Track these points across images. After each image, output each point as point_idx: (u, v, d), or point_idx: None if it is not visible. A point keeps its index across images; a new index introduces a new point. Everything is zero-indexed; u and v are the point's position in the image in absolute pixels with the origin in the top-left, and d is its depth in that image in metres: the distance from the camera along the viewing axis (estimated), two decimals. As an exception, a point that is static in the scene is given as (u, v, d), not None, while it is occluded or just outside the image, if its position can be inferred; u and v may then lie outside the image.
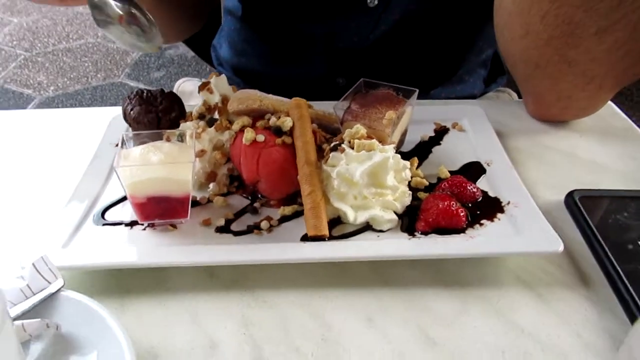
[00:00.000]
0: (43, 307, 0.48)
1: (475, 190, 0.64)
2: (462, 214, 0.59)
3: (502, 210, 0.62)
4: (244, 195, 0.67)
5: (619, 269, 0.54)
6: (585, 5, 0.65)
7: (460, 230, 0.59)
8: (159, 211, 0.59)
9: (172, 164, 0.57)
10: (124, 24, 0.62)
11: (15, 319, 0.46)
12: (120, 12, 0.62)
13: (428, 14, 0.92)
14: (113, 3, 0.61)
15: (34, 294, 0.49)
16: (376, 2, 0.90)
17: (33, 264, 0.49)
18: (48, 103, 2.97)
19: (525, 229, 0.58)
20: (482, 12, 0.79)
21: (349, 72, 1.00)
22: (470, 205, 0.63)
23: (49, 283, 0.49)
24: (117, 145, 0.73)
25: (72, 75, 3.25)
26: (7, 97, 3.02)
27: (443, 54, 1.01)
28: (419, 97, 0.73)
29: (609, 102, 0.86)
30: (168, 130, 0.63)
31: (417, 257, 0.56)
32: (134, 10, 0.62)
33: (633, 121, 0.85)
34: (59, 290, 0.49)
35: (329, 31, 0.95)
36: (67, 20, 3.92)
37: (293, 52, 1.02)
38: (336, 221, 0.61)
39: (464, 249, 0.56)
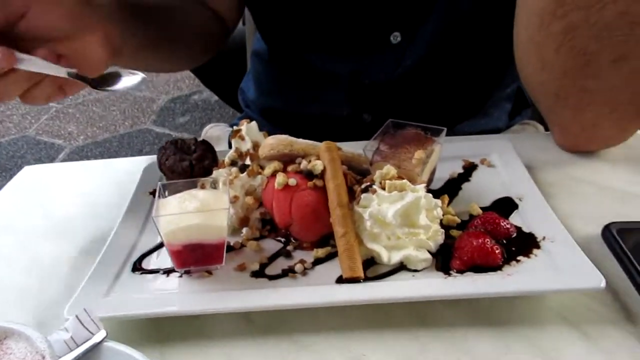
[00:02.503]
0: (86, 359, 0.49)
1: (508, 226, 0.63)
2: (497, 252, 0.59)
3: (537, 246, 0.61)
4: (277, 238, 0.67)
5: (665, 303, 0.53)
6: (598, 36, 0.66)
7: (496, 268, 0.58)
8: (195, 258, 0.60)
9: (207, 211, 0.59)
10: None
11: (59, 371, 0.46)
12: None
13: (453, 48, 0.93)
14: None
15: (78, 346, 0.49)
16: (399, 39, 0.91)
17: (76, 316, 0.50)
18: (78, 152, 3.07)
19: (564, 265, 0.57)
20: (509, 46, 0.80)
21: (375, 108, 1.00)
22: (504, 242, 0.62)
23: (92, 334, 0.50)
24: (150, 193, 0.76)
25: (101, 124, 3.36)
26: (38, 148, 3.13)
27: (469, 88, 1.01)
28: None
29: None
30: (202, 179, 0.65)
31: (456, 297, 0.55)
32: None
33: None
34: (102, 341, 0.49)
35: (353, 69, 0.97)
36: (96, 72, 4.08)
37: (319, 91, 1.03)
38: (370, 262, 0.61)
39: (503, 287, 0.55)
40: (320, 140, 0.70)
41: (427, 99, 1.00)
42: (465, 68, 0.97)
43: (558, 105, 0.77)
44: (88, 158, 3.01)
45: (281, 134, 1.04)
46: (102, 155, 3.04)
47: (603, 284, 0.53)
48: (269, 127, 1.13)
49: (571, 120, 0.79)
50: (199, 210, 0.58)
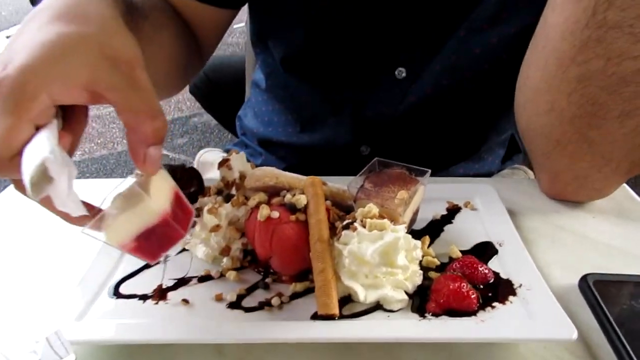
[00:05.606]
0: (53, 382, 0.49)
1: (487, 271, 0.64)
2: (473, 296, 0.59)
3: (514, 293, 0.61)
4: (257, 270, 0.68)
5: (634, 358, 0.53)
6: (611, 88, 0.67)
7: (471, 313, 0.58)
8: (156, 244, 0.55)
9: (121, 200, 0.52)
10: None
11: (25, 393, 0.46)
12: None
13: (458, 90, 0.94)
14: None
15: (46, 369, 0.49)
16: (404, 75, 0.93)
17: (46, 339, 0.50)
18: (74, 167, 3.07)
19: (538, 314, 0.57)
20: (510, 92, 0.81)
21: (374, 141, 1.01)
22: (481, 287, 0.62)
23: (61, 358, 0.50)
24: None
25: (99, 141, 3.38)
26: (35, 161, 3.12)
27: (468, 130, 1.03)
28: (437, 173, 0.73)
29: (623, 185, 0.86)
30: None
31: (428, 341, 0.55)
32: None
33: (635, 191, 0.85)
34: (70, 365, 0.49)
35: (356, 100, 0.98)
36: (99, 89, 4.12)
37: (318, 121, 1.04)
38: (347, 299, 0.61)
39: (475, 333, 0.55)
40: (315, 172, 0.71)
41: (427, 137, 1.01)
42: (466, 110, 0.99)
43: (556, 151, 0.77)
44: (84, 174, 3.02)
45: (278, 162, 1.06)
46: (97, 172, 3.05)
47: (575, 335, 0.53)
48: (266, 155, 1.14)
49: (565, 168, 0.79)
50: (115, 205, 0.52)
